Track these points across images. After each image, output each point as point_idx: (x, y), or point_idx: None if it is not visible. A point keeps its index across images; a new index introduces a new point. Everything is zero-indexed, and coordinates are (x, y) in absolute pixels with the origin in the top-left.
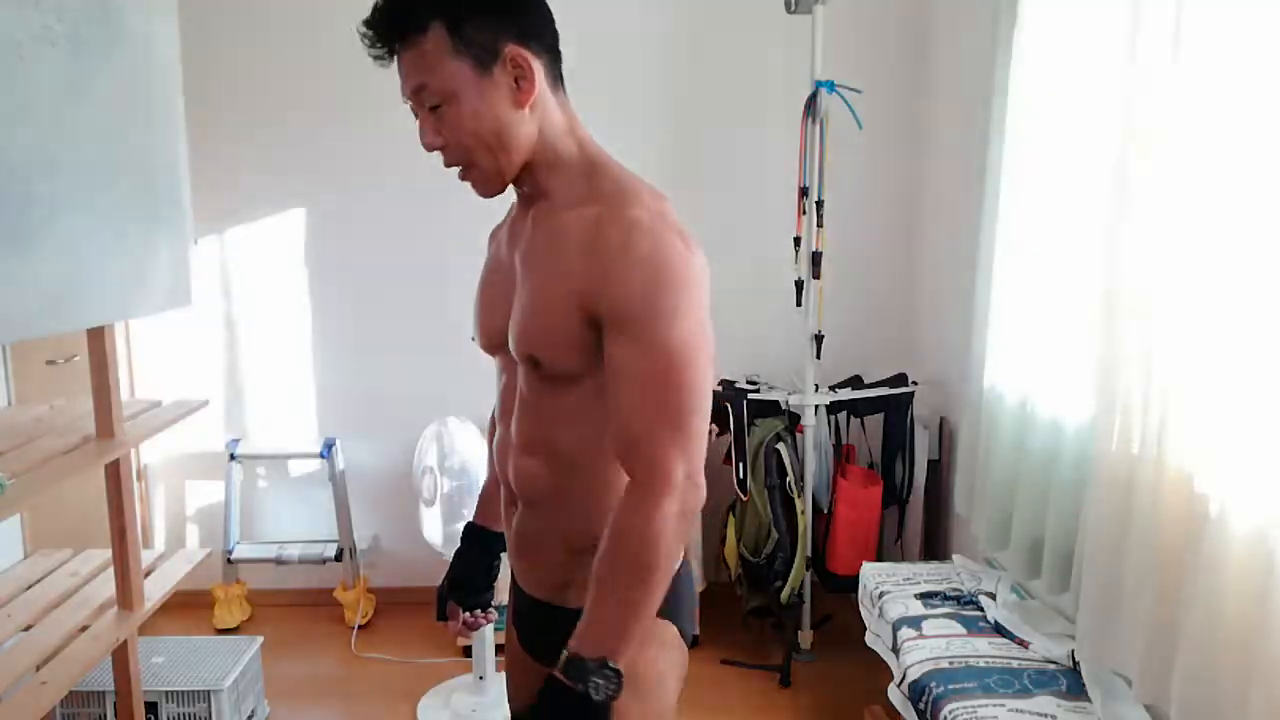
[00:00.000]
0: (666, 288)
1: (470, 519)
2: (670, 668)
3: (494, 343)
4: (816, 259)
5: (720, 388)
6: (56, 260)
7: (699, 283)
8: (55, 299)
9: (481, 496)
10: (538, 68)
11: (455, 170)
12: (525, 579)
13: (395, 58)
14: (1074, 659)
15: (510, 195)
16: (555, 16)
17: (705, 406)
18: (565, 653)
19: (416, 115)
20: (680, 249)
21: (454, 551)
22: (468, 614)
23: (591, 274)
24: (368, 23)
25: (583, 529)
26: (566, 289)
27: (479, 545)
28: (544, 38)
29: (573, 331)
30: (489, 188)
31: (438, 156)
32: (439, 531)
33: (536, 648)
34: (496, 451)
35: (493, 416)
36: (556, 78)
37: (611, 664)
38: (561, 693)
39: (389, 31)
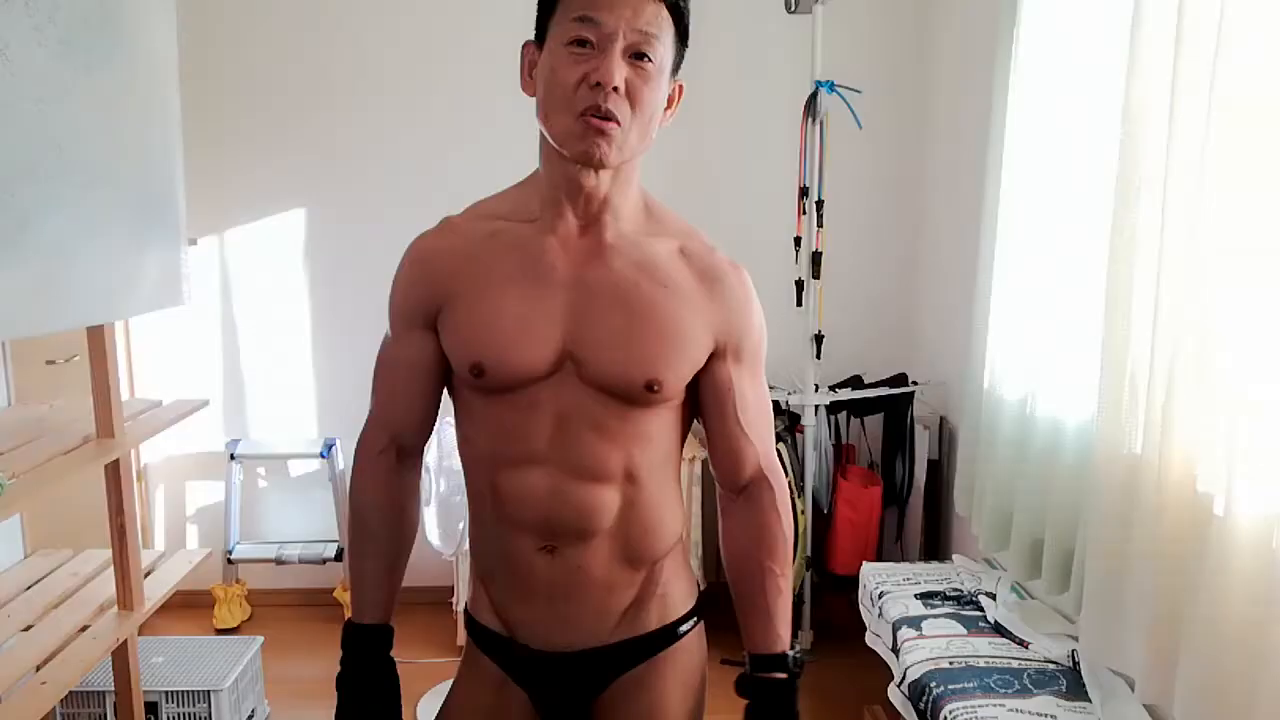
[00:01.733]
0: (763, 324)
1: (355, 622)
2: None
3: (550, 366)
4: (816, 259)
5: None
6: (36, 260)
7: None
8: (34, 299)
9: (368, 586)
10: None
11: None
12: (575, 631)
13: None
14: (1074, 659)
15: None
16: None
17: None
18: (763, 657)
19: (602, 49)
20: None
21: (344, 677)
22: None
23: (721, 310)
24: None
25: (649, 545)
26: (698, 320)
27: (380, 649)
28: None
29: (699, 359)
30: (612, 153)
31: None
32: (436, 531)
33: (580, 709)
34: (525, 496)
35: (368, 478)
36: None
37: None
38: (790, 688)
39: None
